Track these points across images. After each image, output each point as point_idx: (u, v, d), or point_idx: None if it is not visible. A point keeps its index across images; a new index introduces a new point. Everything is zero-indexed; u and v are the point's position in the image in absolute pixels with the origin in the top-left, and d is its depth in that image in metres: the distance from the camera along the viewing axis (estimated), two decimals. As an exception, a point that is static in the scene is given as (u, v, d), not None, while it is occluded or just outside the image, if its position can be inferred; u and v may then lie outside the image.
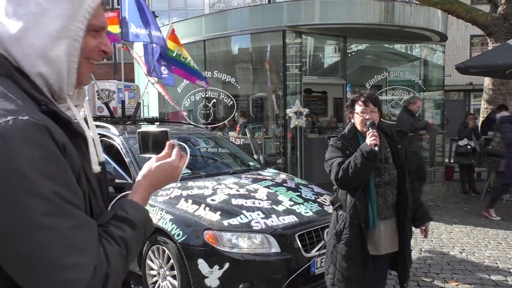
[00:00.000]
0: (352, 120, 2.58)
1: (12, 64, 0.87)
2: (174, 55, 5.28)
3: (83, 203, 0.87)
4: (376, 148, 2.32)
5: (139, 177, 1.07)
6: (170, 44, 5.25)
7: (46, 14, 0.87)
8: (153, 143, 1.15)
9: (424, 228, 2.65)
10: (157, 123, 5.44)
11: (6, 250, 0.76)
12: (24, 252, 0.76)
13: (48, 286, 0.78)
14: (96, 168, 0.97)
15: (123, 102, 5.32)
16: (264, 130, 8.42)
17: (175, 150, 1.11)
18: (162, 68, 5.26)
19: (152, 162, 1.08)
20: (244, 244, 3.01)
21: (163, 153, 1.10)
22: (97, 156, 0.99)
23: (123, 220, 0.93)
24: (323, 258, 3.14)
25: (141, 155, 1.19)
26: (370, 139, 2.33)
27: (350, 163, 2.36)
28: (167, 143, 1.13)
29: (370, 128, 2.39)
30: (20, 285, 0.80)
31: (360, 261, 2.44)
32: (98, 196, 0.97)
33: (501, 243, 4.97)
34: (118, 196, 1.03)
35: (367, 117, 2.46)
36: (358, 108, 2.51)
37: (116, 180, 3.28)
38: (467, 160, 7.81)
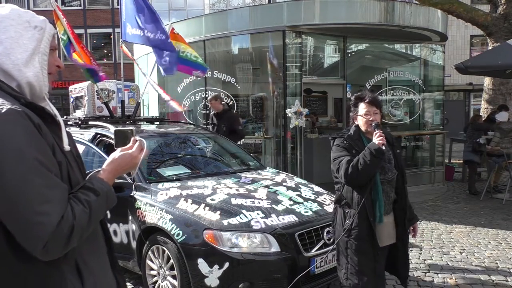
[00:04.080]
0: (356, 122, 2.72)
1: None
2: None
3: (58, 170, 1.17)
4: (384, 148, 2.49)
5: (106, 162, 1.36)
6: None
7: (24, 37, 1.21)
8: (122, 138, 1.42)
9: (412, 228, 2.84)
10: (157, 123, 5.44)
11: None
12: (10, 198, 1.06)
13: (25, 225, 1.06)
14: (67, 147, 1.26)
15: (122, 102, 5.30)
16: (264, 130, 8.41)
17: (136, 144, 1.39)
18: (163, 60, 5.08)
19: (117, 152, 1.37)
20: (244, 244, 3.01)
21: (127, 146, 1.39)
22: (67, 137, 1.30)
23: (89, 189, 1.23)
24: (322, 258, 3.14)
25: (115, 148, 1.41)
26: (378, 139, 2.50)
27: (359, 160, 2.51)
28: (132, 138, 1.40)
29: (376, 129, 2.56)
30: (5, 225, 1.08)
31: (371, 254, 2.59)
32: (75, 168, 1.28)
33: (501, 243, 4.97)
34: (90, 174, 1.31)
35: (371, 119, 2.61)
36: (362, 110, 2.66)
37: (116, 180, 3.27)
38: (478, 158, 7.83)
